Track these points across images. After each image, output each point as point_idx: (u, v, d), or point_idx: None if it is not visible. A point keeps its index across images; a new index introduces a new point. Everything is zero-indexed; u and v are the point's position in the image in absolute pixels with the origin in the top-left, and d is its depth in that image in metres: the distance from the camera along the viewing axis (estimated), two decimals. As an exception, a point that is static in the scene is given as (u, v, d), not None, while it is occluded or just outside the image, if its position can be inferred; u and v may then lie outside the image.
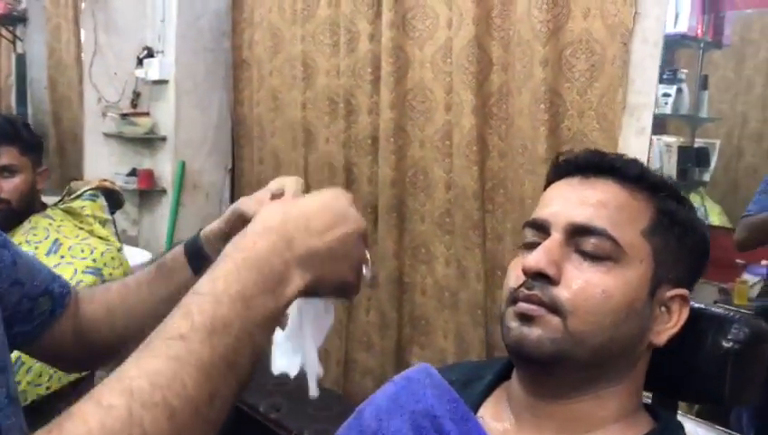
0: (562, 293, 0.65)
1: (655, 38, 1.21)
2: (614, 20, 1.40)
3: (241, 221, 0.70)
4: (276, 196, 0.71)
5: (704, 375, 0.70)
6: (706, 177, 1.95)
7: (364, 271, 0.56)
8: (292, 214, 0.51)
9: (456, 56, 1.69)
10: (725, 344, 0.69)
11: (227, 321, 0.45)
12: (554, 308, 0.65)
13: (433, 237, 1.84)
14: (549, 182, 0.76)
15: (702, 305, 0.71)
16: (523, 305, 0.67)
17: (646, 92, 1.23)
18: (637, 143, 1.25)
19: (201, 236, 0.76)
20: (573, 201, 0.69)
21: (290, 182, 0.73)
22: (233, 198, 2.49)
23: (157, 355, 0.42)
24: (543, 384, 0.69)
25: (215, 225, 0.75)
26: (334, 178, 2.10)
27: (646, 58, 1.23)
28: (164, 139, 2.51)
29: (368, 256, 0.56)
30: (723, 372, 0.68)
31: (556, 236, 0.68)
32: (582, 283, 0.65)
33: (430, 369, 0.79)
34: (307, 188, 2.17)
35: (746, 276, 1.80)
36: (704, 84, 1.98)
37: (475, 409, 0.75)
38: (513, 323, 0.67)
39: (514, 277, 0.70)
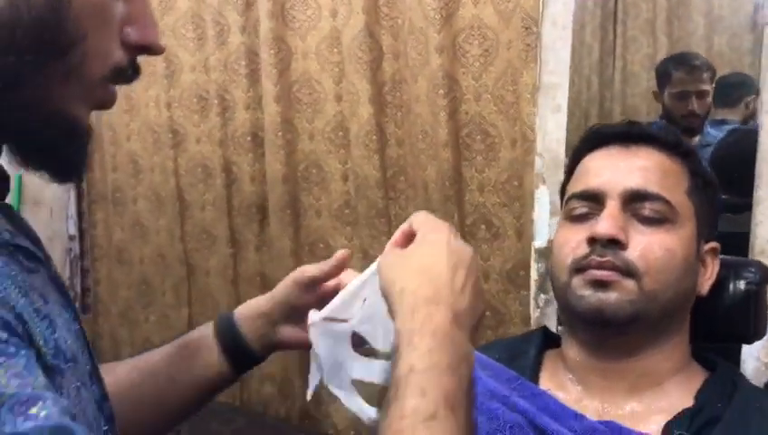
0: (633, 255, 0.69)
1: (563, 21, 1.31)
2: (507, 6, 1.48)
3: (288, 306, 0.68)
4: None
5: (730, 317, 0.78)
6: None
7: None
8: (435, 278, 0.51)
9: (346, 46, 1.67)
10: (745, 286, 0.77)
11: (456, 393, 0.45)
12: (628, 271, 0.69)
13: (332, 231, 1.81)
14: (579, 154, 0.79)
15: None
16: (596, 272, 0.69)
17: (559, 72, 1.32)
18: (554, 120, 1.34)
19: (235, 315, 0.70)
20: (622, 169, 0.73)
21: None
22: (81, 213, 2.22)
23: None
24: (615, 345, 0.72)
25: (255, 303, 0.71)
26: (210, 178, 1.97)
27: (556, 40, 1.33)
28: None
29: None
30: (747, 311, 0.77)
31: (614, 203, 0.71)
32: (648, 244, 0.69)
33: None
34: (179, 191, 2.00)
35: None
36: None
37: (535, 381, 0.76)
38: (587, 291, 0.70)
39: (573, 247, 0.72)
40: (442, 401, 0.44)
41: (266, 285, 1.93)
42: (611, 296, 0.69)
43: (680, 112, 2.21)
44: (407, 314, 0.49)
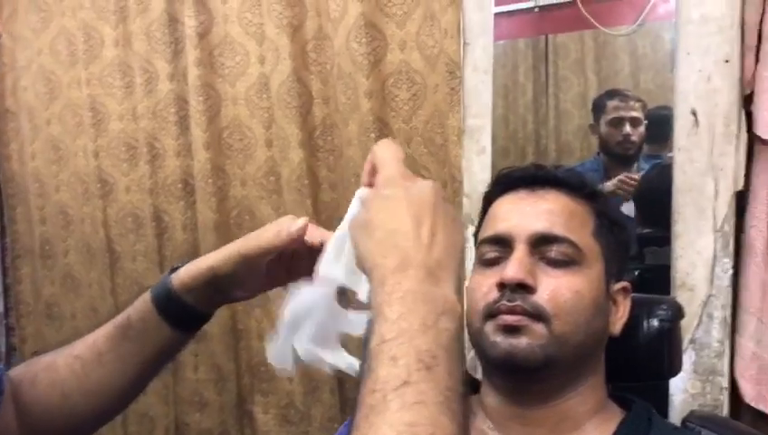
0: (542, 298, 0.69)
1: (485, 66, 1.33)
2: (432, 51, 1.51)
3: (245, 263, 0.62)
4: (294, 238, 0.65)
5: (645, 355, 0.78)
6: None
7: None
8: (401, 240, 0.49)
9: (275, 91, 1.66)
10: (659, 324, 0.78)
11: (433, 350, 0.43)
12: (538, 315, 0.68)
13: (267, 279, 1.77)
14: (490, 199, 0.79)
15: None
16: (507, 317, 0.69)
17: (482, 115, 1.34)
18: (479, 161, 1.36)
19: (174, 284, 0.65)
20: (529, 213, 0.73)
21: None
22: (5, 269, 2.13)
23: (397, 410, 0.39)
24: (530, 391, 0.71)
25: (197, 267, 0.66)
26: (141, 228, 1.91)
27: (478, 84, 1.35)
28: None
29: None
30: (661, 349, 0.78)
31: (522, 247, 0.71)
32: (556, 286, 0.69)
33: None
34: (109, 242, 1.95)
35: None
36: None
37: (454, 432, 0.74)
38: (498, 337, 0.69)
39: (484, 293, 0.72)
40: (414, 364, 0.42)
41: (200, 337, 1.88)
42: (522, 342, 0.68)
43: (616, 139, 2.28)
44: (377, 289, 0.48)
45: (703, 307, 1.19)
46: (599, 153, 2.45)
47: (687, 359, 1.21)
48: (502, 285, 0.70)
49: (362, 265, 0.51)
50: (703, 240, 1.18)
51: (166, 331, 0.66)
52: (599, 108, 2.41)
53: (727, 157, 1.15)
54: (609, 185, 1.85)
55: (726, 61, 1.14)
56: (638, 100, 2.40)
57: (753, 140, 1.17)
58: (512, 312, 0.69)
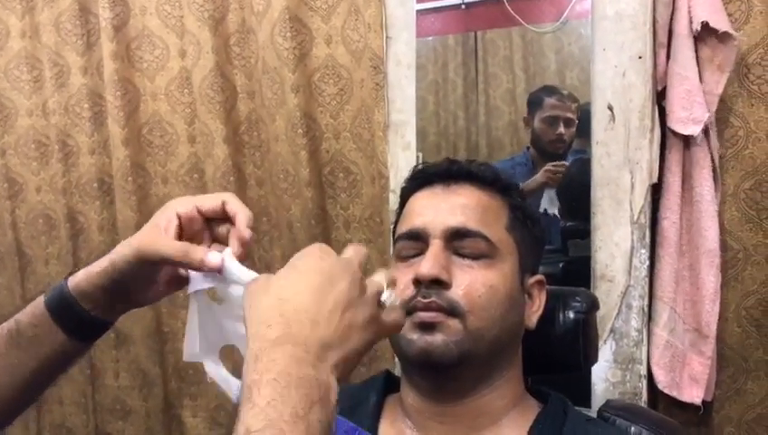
0: (456, 294, 0.68)
1: (408, 61, 1.32)
2: (357, 45, 1.49)
3: (145, 266, 0.58)
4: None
5: (561, 347, 0.79)
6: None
7: (383, 298, 0.51)
8: (289, 312, 0.46)
9: (197, 86, 1.61)
10: (574, 316, 0.79)
11: None
12: (453, 311, 0.68)
13: (191, 278, 1.72)
14: (407, 194, 0.78)
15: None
16: (423, 314, 0.68)
17: (406, 110, 1.34)
18: (404, 157, 1.35)
19: (71, 288, 0.61)
20: (444, 208, 0.73)
21: (238, 207, 0.60)
22: None
23: None
24: (448, 388, 0.71)
25: (93, 270, 0.61)
26: (53, 230, 1.82)
27: (401, 79, 1.34)
28: None
29: (382, 282, 0.51)
30: (576, 340, 0.79)
31: (437, 242, 0.70)
32: (471, 281, 0.69)
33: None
34: (18, 245, 1.84)
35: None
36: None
37: (374, 431, 0.73)
38: (414, 335, 0.68)
39: (402, 289, 0.70)
40: None
41: (121, 342, 1.81)
42: (438, 338, 0.67)
43: (548, 137, 2.32)
44: (251, 364, 0.44)
45: (622, 298, 1.22)
46: (528, 148, 2.50)
47: (608, 348, 1.23)
48: (417, 282, 0.69)
49: (246, 330, 0.47)
50: (621, 232, 1.21)
51: (60, 338, 0.62)
52: (535, 103, 2.45)
53: (642, 150, 1.18)
54: (538, 177, 1.88)
55: (640, 57, 1.17)
56: (575, 100, 2.46)
57: (665, 134, 1.20)
58: (427, 308, 0.68)
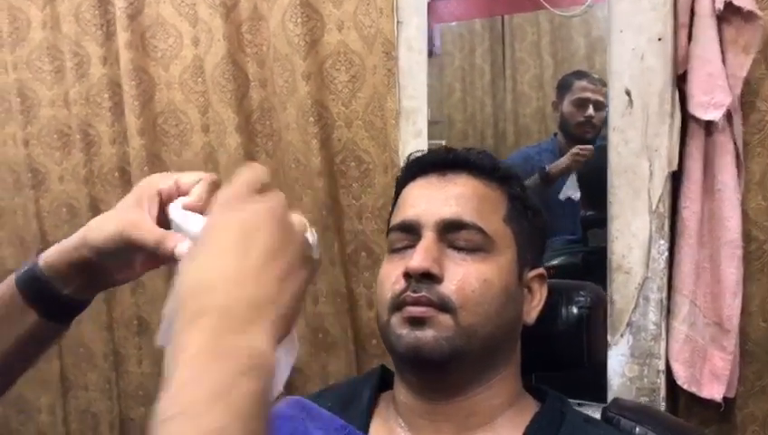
0: (448, 288, 0.66)
1: (419, 46, 1.29)
2: (369, 31, 1.46)
3: (129, 246, 0.55)
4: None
5: (564, 343, 0.76)
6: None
7: (310, 239, 0.47)
8: (208, 279, 0.41)
9: (209, 74, 1.60)
10: (577, 311, 0.76)
11: (223, 430, 0.35)
12: (444, 306, 0.65)
13: (209, 268, 1.72)
14: (402, 184, 0.76)
15: (549, 280, 0.77)
16: (412, 309, 0.65)
17: (417, 97, 1.31)
18: (415, 144, 1.32)
19: (43, 266, 0.58)
20: (438, 198, 0.70)
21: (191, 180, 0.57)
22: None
23: None
24: (439, 385, 0.68)
25: (66, 246, 0.58)
26: (76, 218, 1.84)
27: (413, 65, 1.31)
28: None
29: (305, 223, 0.48)
30: (580, 336, 0.75)
31: (429, 234, 0.68)
32: (464, 275, 0.66)
33: (303, 401, 0.73)
34: (43, 235, 1.84)
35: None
36: (428, 91, 2.19)
37: (365, 429, 0.71)
38: (404, 330, 0.66)
39: (392, 283, 0.68)
40: None
41: (143, 329, 1.83)
42: (428, 334, 0.65)
43: (577, 120, 2.26)
44: (171, 346, 0.39)
45: (639, 290, 1.17)
46: (555, 134, 2.44)
47: (625, 342, 1.19)
48: (408, 275, 0.66)
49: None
50: (638, 222, 1.16)
51: (32, 318, 0.59)
52: (564, 86, 2.40)
53: (661, 137, 1.13)
54: (564, 160, 1.84)
55: (659, 39, 1.12)
56: (605, 84, 2.39)
57: (686, 120, 1.15)
58: (417, 303, 0.65)
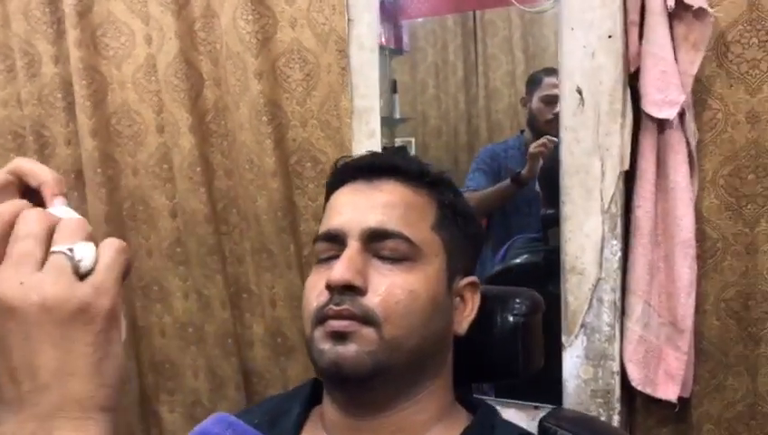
0: (372, 301, 0.63)
1: (371, 44, 1.26)
2: (323, 28, 1.43)
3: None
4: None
5: (499, 353, 0.74)
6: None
7: (78, 259, 0.39)
8: None
9: (162, 74, 1.56)
10: (513, 319, 0.73)
11: None
12: (367, 319, 0.63)
13: (165, 272, 1.69)
14: (330, 190, 0.73)
15: (484, 287, 0.75)
16: (334, 323, 0.63)
17: (370, 97, 1.28)
18: (369, 145, 1.29)
19: None
20: (364, 206, 0.67)
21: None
22: None
23: None
24: (363, 401, 0.66)
25: None
26: (31, 223, 1.79)
27: (365, 64, 1.28)
28: None
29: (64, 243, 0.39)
30: (515, 345, 0.73)
31: (354, 244, 0.65)
32: (389, 286, 0.64)
33: (229, 417, 0.70)
34: None
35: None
36: (394, 88, 2.17)
37: (292, 445, 0.69)
38: (326, 345, 0.63)
39: (316, 295, 0.66)
40: None
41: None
42: (350, 349, 0.62)
43: (545, 117, 2.25)
44: None
45: (593, 291, 1.16)
46: (522, 131, 2.43)
47: (579, 344, 1.18)
48: (331, 287, 0.64)
49: None
50: (591, 222, 1.14)
51: None
52: (534, 82, 2.38)
53: (613, 136, 1.11)
54: (532, 147, 1.82)
55: (610, 36, 1.10)
56: (576, 83, 2.39)
57: (638, 118, 1.14)
58: (339, 316, 0.63)
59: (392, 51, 2.24)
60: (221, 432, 0.67)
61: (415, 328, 0.64)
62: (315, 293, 0.66)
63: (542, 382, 1.23)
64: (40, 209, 0.43)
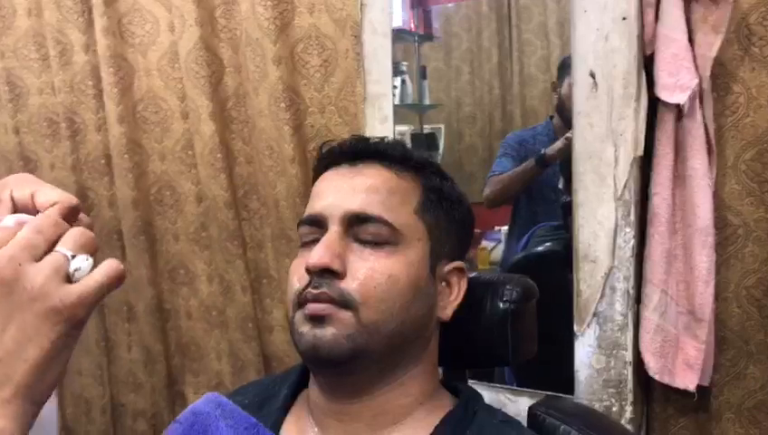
0: (350, 285, 0.63)
1: (383, 29, 1.26)
2: (341, 14, 1.42)
3: None
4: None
5: (488, 339, 0.73)
6: (437, 159, 2.10)
7: (73, 269, 0.42)
8: None
9: (183, 61, 1.59)
10: (503, 305, 0.73)
11: None
12: (344, 303, 0.63)
13: (191, 255, 1.72)
14: (316, 175, 0.73)
15: (475, 274, 0.75)
16: (312, 306, 0.63)
17: (383, 82, 1.27)
18: (381, 131, 1.29)
19: None
20: (345, 190, 0.67)
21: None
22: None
23: None
24: (344, 385, 0.66)
25: None
26: (66, 207, 1.85)
27: (378, 49, 1.27)
28: None
29: (64, 252, 0.42)
30: (504, 332, 0.72)
31: (334, 228, 0.65)
32: (368, 271, 0.64)
33: (219, 397, 0.72)
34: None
35: (484, 243, 1.99)
36: (423, 75, 2.15)
37: (277, 428, 0.70)
38: (305, 328, 0.64)
39: (297, 279, 0.66)
40: None
41: (132, 316, 1.84)
42: (328, 332, 0.63)
43: (575, 102, 2.21)
44: None
45: (605, 279, 1.13)
46: (551, 117, 2.39)
47: (591, 333, 1.16)
48: (309, 271, 0.64)
49: None
50: (604, 209, 1.12)
51: None
52: (564, 67, 2.34)
53: (627, 121, 1.08)
54: (560, 143, 1.79)
55: (624, 18, 1.07)
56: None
57: (656, 103, 1.10)
58: (317, 300, 0.63)
59: (421, 36, 2.22)
60: (211, 411, 0.68)
61: (394, 312, 0.64)
62: (297, 276, 0.66)
63: (546, 371, 1.21)
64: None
